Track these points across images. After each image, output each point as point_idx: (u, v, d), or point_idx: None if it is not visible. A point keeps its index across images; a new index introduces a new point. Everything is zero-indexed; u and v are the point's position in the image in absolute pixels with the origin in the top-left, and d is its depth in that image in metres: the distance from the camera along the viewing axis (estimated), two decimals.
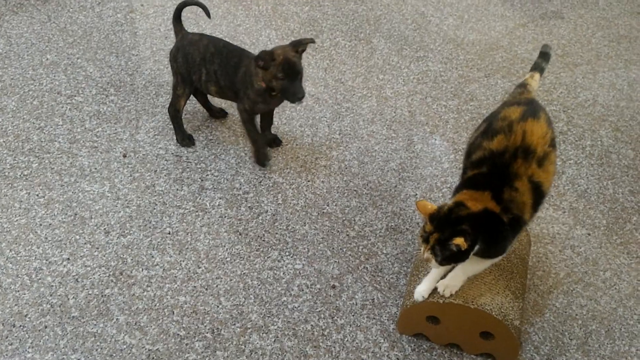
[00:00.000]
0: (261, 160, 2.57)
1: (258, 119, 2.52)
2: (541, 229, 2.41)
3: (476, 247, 1.76)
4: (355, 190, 2.52)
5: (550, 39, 3.44)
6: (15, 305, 2.04)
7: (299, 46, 2.30)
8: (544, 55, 2.23)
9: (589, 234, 2.41)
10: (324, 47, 3.22)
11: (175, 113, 2.58)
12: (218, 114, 2.78)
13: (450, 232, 1.72)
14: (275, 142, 2.68)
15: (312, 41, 2.33)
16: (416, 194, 2.51)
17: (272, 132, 2.68)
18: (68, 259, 2.18)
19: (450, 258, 1.76)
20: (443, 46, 3.30)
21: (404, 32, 3.39)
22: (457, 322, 1.94)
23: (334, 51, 3.18)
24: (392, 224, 2.40)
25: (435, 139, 2.76)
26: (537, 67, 2.21)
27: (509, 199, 1.76)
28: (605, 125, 2.93)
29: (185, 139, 2.64)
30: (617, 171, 2.70)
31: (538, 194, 1.81)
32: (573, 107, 3.00)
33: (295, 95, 2.26)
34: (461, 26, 3.49)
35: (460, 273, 1.87)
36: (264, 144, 2.58)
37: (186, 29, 2.58)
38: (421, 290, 1.93)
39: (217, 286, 2.14)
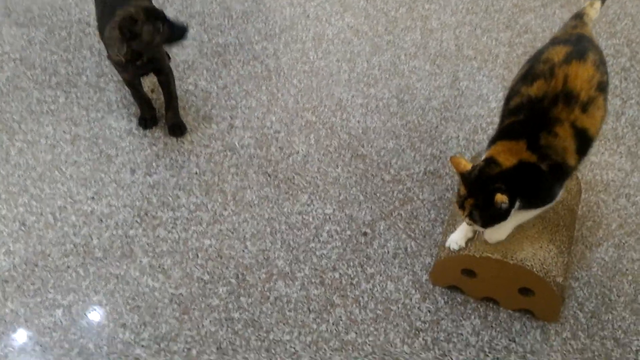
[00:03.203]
0: (142, 122, 2.34)
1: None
2: (594, 175, 2.22)
3: (517, 204, 1.61)
4: (392, 131, 2.36)
5: None
6: (39, 244, 2.01)
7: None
8: None
9: None
10: None
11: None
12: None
13: (484, 195, 1.57)
14: (176, 130, 2.32)
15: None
16: (458, 136, 2.34)
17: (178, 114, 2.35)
18: (93, 197, 2.12)
19: (492, 220, 1.61)
20: None
21: None
22: (494, 277, 1.81)
23: None
24: (431, 167, 2.25)
25: (483, 75, 2.56)
26: None
27: (547, 145, 1.59)
28: None
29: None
30: None
31: (583, 139, 1.63)
32: (638, 41, 2.72)
33: (182, 27, 2.04)
34: None
35: (510, 220, 1.71)
36: (150, 107, 2.32)
37: None
38: (456, 239, 1.80)
39: (243, 230, 2.06)
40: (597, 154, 2.29)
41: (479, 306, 1.89)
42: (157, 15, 1.97)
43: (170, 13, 2.75)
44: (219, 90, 2.48)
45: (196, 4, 2.81)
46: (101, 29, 2.09)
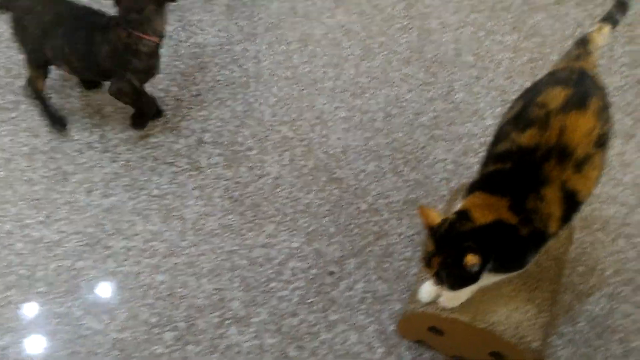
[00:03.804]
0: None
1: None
2: (592, 210, 1.99)
3: (488, 266, 1.41)
4: (375, 150, 2.15)
5: None
6: None
7: None
8: (621, 4, 1.72)
9: None
10: None
11: (35, 94, 2.11)
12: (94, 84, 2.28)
13: (454, 254, 1.36)
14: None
15: None
16: (447, 159, 2.12)
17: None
18: (43, 222, 1.98)
19: (461, 282, 1.41)
20: None
21: None
22: (463, 338, 1.63)
23: None
24: (413, 195, 2.04)
25: (482, 86, 2.31)
26: (609, 18, 1.72)
27: (532, 209, 1.38)
28: None
29: (56, 122, 2.15)
30: None
31: (571, 204, 1.42)
32: None
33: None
34: None
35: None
36: (155, 103, 2.14)
37: None
38: (429, 289, 1.61)
39: (200, 264, 1.90)
40: (599, 185, 2.04)
41: None
42: None
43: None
44: (191, 98, 2.29)
45: None
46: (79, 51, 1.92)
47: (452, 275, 1.39)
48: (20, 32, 1.97)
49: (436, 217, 1.44)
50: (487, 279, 1.52)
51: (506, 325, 1.54)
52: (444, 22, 2.51)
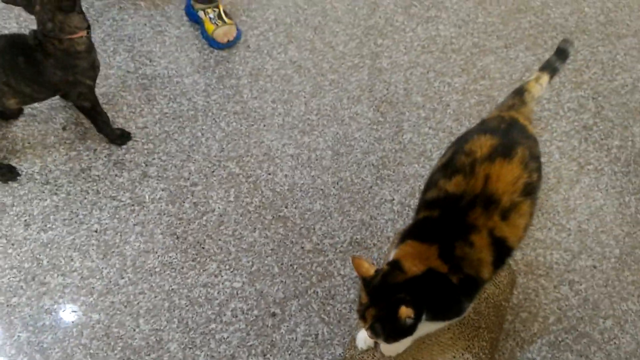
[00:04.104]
0: (117, 139, 2.19)
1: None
2: (537, 255, 2.02)
3: (423, 317, 1.40)
4: (322, 189, 2.15)
5: (594, 1, 2.87)
6: None
7: None
8: (561, 52, 1.76)
9: (595, 267, 2.01)
10: None
11: None
12: (14, 114, 2.21)
13: (387, 306, 1.36)
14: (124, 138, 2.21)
15: None
16: (393, 199, 2.13)
17: None
18: None
19: (396, 335, 1.39)
20: (461, 4, 2.78)
21: None
22: None
23: (329, 5, 2.71)
24: (358, 236, 2.04)
25: (429, 127, 2.33)
26: (548, 67, 1.75)
27: (461, 255, 1.39)
28: None
29: (4, 173, 2.08)
30: None
31: (501, 250, 1.43)
32: (606, 94, 2.50)
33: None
34: None
35: None
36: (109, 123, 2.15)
37: None
38: (365, 337, 1.60)
39: (138, 303, 1.85)
40: (544, 230, 2.08)
41: None
42: None
43: (98, 35, 2.51)
44: (137, 130, 2.25)
45: (128, 26, 2.57)
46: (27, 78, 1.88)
47: (387, 328, 1.38)
48: None
49: (370, 269, 1.43)
50: (426, 327, 1.52)
51: None
52: (395, 61, 2.54)
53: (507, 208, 1.41)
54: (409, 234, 1.49)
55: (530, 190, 1.46)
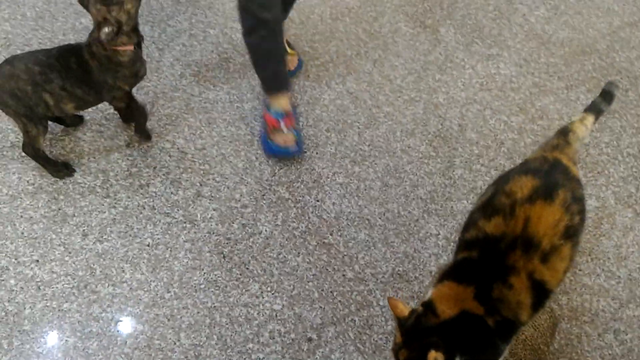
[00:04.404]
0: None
1: None
2: (583, 301, 1.97)
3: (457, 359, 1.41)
4: (368, 219, 2.17)
5: None
6: None
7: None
8: (607, 94, 1.75)
9: None
10: (381, 32, 2.80)
11: (35, 152, 2.14)
12: (74, 122, 2.39)
13: (418, 349, 1.37)
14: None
15: None
16: (439, 234, 2.13)
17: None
18: (37, 260, 2.03)
19: None
20: (524, 43, 2.77)
21: (481, 21, 2.88)
22: None
23: (390, 39, 2.75)
24: (400, 268, 2.05)
25: (482, 165, 2.33)
26: (593, 109, 1.74)
27: (499, 297, 1.38)
28: None
29: (60, 170, 2.24)
30: None
31: (540, 293, 1.41)
32: None
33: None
34: (553, 19, 2.91)
35: None
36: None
37: None
38: None
39: (181, 317, 1.92)
40: (592, 275, 2.03)
41: None
42: None
43: (167, 59, 2.65)
44: (195, 151, 2.35)
45: (196, 52, 2.70)
46: (86, 84, 2.06)
47: None
48: (10, 101, 1.99)
49: (404, 309, 1.47)
50: None
51: None
52: (452, 97, 2.55)
53: (548, 251, 1.40)
54: (447, 275, 1.50)
55: (571, 233, 1.44)
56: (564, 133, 1.65)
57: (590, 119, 1.69)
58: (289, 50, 2.57)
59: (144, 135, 2.33)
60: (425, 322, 1.41)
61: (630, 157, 2.38)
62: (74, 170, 2.24)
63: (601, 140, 2.40)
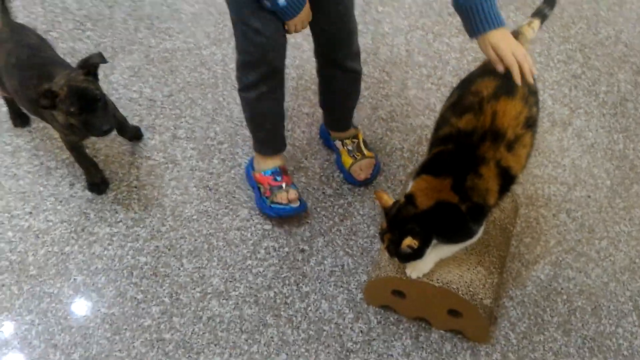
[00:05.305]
0: (94, 187, 2.17)
1: None
2: (536, 189, 2.22)
3: (433, 242, 1.63)
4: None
5: None
6: None
7: (88, 67, 1.83)
8: (550, 1, 1.96)
9: (589, 197, 2.22)
10: None
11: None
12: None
13: (398, 233, 1.61)
14: (137, 135, 2.30)
15: (101, 60, 1.86)
16: (403, 147, 2.34)
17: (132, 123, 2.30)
18: (30, 212, 2.11)
19: (407, 257, 1.65)
20: None
21: None
22: (423, 299, 1.82)
23: None
24: (374, 182, 2.24)
25: (432, 83, 2.54)
26: (539, 13, 1.95)
27: (471, 186, 1.60)
28: (626, 67, 2.64)
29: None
30: (631, 123, 2.45)
31: (506, 179, 1.64)
32: (591, 46, 2.71)
33: (99, 129, 1.80)
34: None
35: (431, 255, 1.72)
36: (97, 169, 2.15)
37: None
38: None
39: (180, 246, 2.05)
40: (541, 167, 2.29)
41: (411, 326, 1.91)
42: (82, 101, 1.77)
43: (118, 15, 2.71)
44: (164, 98, 2.45)
45: (145, 6, 2.77)
46: (28, 97, 1.94)
47: (398, 251, 1.62)
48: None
49: (388, 200, 1.69)
50: (446, 250, 1.74)
51: (459, 283, 1.74)
52: (396, 26, 2.74)
53: (512, 140, 1.61)
54: (424, 169, 1.70)
55: (531, 123, 1.67)
56: (515, 36, 1.86)
57: (536, 22, 1.90)
58: (366, 152, 2.23)
59: (135, 132, 2.29)
60: (405, 212, 1.62)
61: (560, 62, 2.64)
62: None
63: (533, 51, 2.65)
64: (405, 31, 2.73)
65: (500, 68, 1.59)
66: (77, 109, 1.76)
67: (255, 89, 1.86)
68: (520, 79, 1.58)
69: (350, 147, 2.21)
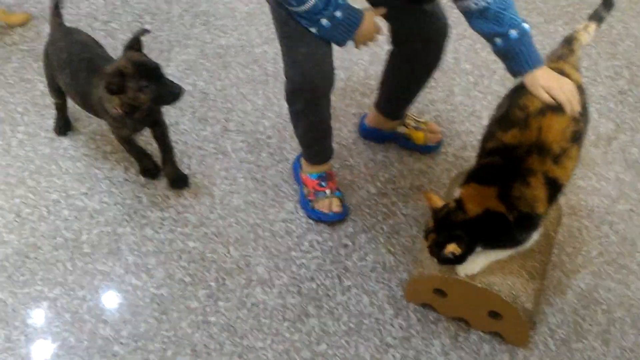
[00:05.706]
0: (147, 173, 2.24)
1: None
2: (579, 200, 2.25)
3: (477, 249, 1.68)
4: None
5: None
6: (32, 236, 2.08)
7: (135, 44, 1.91)
8: (607, 2, 1.96)
9: (632, 210, 2.23)
10: None
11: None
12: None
13: (444, 237, 1.66)
14: (178, 183, 2.22)
15: (145, 31, 1.97)
16: (447, 152, 2.38)
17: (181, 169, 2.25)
18: (86, 193, 2.19)
19: (447, 261, 1.70)
20: None
21: None
22: (464, 299, 1.85)
23: None
24: (417, 182, 2.29)
25: (478, 91, 2.58)
26: (596, 16, 1.95)
27: (518, 195, 1.63)
28: None
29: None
30: None
31: (554, 188, 1.67)
32: (639, 64, 2.73)
33: (173, 92, 1.86)
34: None
35: (482, 257, 1.76)
36: (149, 157, 2.21)
37: None
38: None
39: (227, 234, 2.12)
40: (585, 179, 2.31)
41: (450, 326, 1.94)
42: (146, 73, 1.85)
43: (176, 10, 2.80)
44: (216, 92, 2.53)
45: (202, 3, 2.86)
46: (79, 91, 2.07)
47: (440, 254, 1.67)
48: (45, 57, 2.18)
49: (438, 201, 1.73)
50: (494, 255, 1.78)
51: (502, 285, 1.77)
52: None
53: (558, 154, 1.64)
54: (472, 177, 1.74)
55: (577, 137, 1.69)
56: (569, 41, 1.89)
57: (593, 26, 1.91)
58: (422, 121, 2.36)
59: (177, 178, 2.24)
60: (454, 217, 1.67)
61: (607, 78, 2.66)
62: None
63: (581, 65, 2.67)
64: (453, 39, 2.76)
65: (552, 103, 1.63)
66: (146, 82, 1.82)
67: (303, 116, 1.94)
68: (572, 113, 1.63)
69: (413, 124, 2.31)
